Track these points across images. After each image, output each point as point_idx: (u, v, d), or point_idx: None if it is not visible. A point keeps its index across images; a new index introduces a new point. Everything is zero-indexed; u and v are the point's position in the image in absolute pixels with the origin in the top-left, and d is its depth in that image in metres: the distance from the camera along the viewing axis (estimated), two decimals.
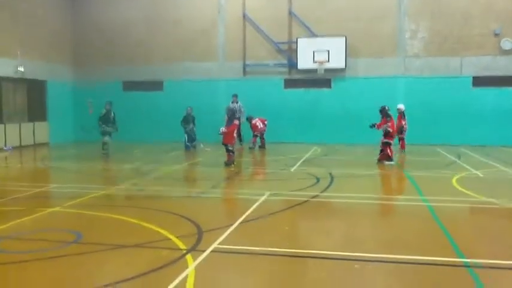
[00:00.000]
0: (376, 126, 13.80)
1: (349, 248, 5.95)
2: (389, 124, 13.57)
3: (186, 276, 4.83)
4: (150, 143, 19.65)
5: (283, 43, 20.48)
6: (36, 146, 20.01)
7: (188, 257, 5.42)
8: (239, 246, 5.90)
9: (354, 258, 5.48)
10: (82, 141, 20.66)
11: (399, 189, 11.00)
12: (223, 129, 13.21)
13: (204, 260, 5.36)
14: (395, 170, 13.03)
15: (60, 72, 21.90)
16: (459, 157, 15.14)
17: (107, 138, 16.00)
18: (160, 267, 5.11)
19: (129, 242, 6.01)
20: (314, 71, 19.94)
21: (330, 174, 11.73)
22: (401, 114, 15.87)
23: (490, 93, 18.94)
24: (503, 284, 4.94)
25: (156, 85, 21.75)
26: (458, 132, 18.94)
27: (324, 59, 19.62)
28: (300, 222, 7.58)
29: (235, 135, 13.68)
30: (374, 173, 12.45)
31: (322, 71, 19.86)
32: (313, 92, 20.44)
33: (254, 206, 8.06)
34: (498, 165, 13.29)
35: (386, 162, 13.40)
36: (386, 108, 13.76)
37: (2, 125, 18.73)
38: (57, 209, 8.08)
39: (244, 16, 20.76)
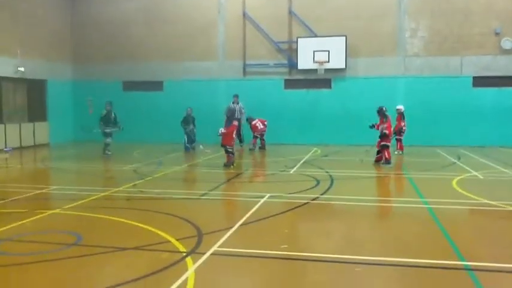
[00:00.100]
0: (375, 126, 13.80)
1: (350, 250, 5.95)
2: (385, 126, 13.52)
3: (186, 279, 4.85)
4: (150, 144, 19.64)
5: (283, 42, 20.47)
6: (36, 146, 20.00)
7: (188, 259, 5.43)
8: (239, 249, 5.90)
9: (354, 261, 5.49)
10: (82, 141, 20.65)
11: (399, 191, 11.00)
12: (222, 130, 13.19)
13: (204, 262, 5.37)
14: (396, 171, 13.03)
15: (60, 72, 21.90)
16: (459, 158, 15.14)
17: (109, 140, 16.01)
18: (160, 270, 5.13)
19: (129, 245, 6.01)
20: (314, 71, 19.93)
21: (330, 176, 11.73)
22: (401, 115, 15.87)
23: (490, 93, 18.93)
24: (504, 287, 4.95)
25: (155, 85, 21.75)
26: (458, 132, 18.93)
27: (324, 59, 19.61)
28: (300, 224, 7.57)
29: (234, 136, 13.65)
30: (374, 174, 12.45)
31: (322, 71, 19.84)
32: (313, 92, 20.43)
33: (254, 208, 8.07)
34: (498, 166, 13.29)
35: (384, 165, 13.28)
36: (384, 109, 13.72)
37: (2, 125, 18.73)
38: (57, 211, 8.10)
39: (244, 15, 20.75)
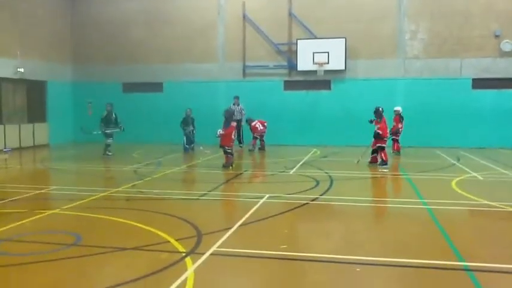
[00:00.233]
0: (374, 122, 13.78)
1: (349, 251, 5.96)
2: (378, 126, 13.52)
3: (186, 279, 4.85)
4: (150, 144, 19.64)
5: (283, 44, 20.49)
6: (36, 147, 20.00)
7: (187, 259, 5.43)
8: (238, 249, 5.90)
9: (353, 261, 5.49)
10: (82, 141, 20.65)
11: (399, 192, 11.00)
12: (220, 131, 13.20)
13: (203, 263, 5.37)
14: (395, 172, 13.04)
15: (60, 73, 21.91)
16: (458, 159, 15.15)
17: (110, 141, 16.01)
18: (160, 270, 5.12)
19: (128, 245, 6.01)
20: (314, 72, 19.94)
21: (330, 176, 11.74)
22: (399, 116, 15.88)
23: (489, 95, 18.96)
24: (503, 287, 4.96)
25: (155, 86, 21.75)
26: (457, 134, 18.95)
27: (323, 60, 19.63)
28: (300, 225, 7.57)
29: (233, 137, 13.66)
30: (374, 175, 12.45)
31: (322, 73, 19.86)
32: (313, 93, 20.45)
33: (253, 209, 8.07)
34: (498, 167, 13.30)
35: (381, 167, 13.19)
36: (380, 109, 13.73)
37: (2, 126, 18.72)
38: (56, 211, 8.10)
39: (244, 17, 20.78)
